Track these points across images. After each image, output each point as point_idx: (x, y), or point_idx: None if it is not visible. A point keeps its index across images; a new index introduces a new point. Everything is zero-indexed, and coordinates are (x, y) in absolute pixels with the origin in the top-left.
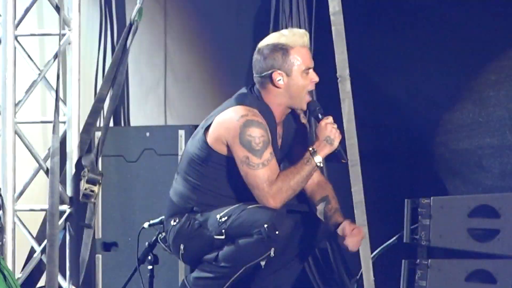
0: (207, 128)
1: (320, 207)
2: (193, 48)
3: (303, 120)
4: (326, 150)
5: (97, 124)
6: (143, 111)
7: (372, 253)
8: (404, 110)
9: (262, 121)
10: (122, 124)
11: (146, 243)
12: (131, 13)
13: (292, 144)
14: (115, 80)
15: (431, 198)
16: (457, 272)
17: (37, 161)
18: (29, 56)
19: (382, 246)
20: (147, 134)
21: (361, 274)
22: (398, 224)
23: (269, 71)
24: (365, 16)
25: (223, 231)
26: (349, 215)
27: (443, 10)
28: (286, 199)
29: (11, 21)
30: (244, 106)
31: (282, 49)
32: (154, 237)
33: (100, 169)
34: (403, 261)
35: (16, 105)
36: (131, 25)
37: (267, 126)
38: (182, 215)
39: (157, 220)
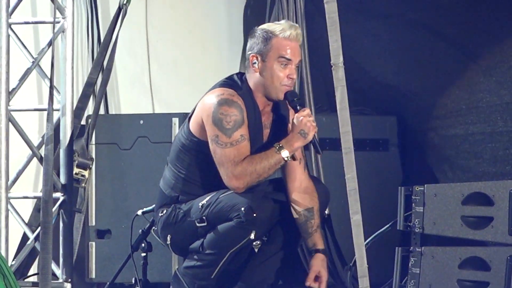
0: (191, 116)
1: (300, 219)
2: (178, 36)
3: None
4: (299, 143)
5: (88, 109)
6: (130, 100)
7: (365, 240)
8: (396, 97)
9: (238, 101)
10: (113, 112)
11: (140, 231)
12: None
13: (283, 136)
14: (105, 65)
15: (425, 185)
16: (451, 259)
17: (31, 148)
18: (23, 44)
19: (375, 234)
20: (141, 122)
21: (355, 261)
22: (392, 212)
23: (249, 53)
24: (357, 3)
25: (204, 217)
26: (343, 202)
27: None
28: (250, 182)
29: (5, 9)
30: (223, 88)
31: (266, 35)
32: (148, 225)
33: (93, 156)
34: (396, 248)
35: (10, 92)
36: (120, 9)
37: (245, 108)
38: (169, 205)
39: (150, 208)
